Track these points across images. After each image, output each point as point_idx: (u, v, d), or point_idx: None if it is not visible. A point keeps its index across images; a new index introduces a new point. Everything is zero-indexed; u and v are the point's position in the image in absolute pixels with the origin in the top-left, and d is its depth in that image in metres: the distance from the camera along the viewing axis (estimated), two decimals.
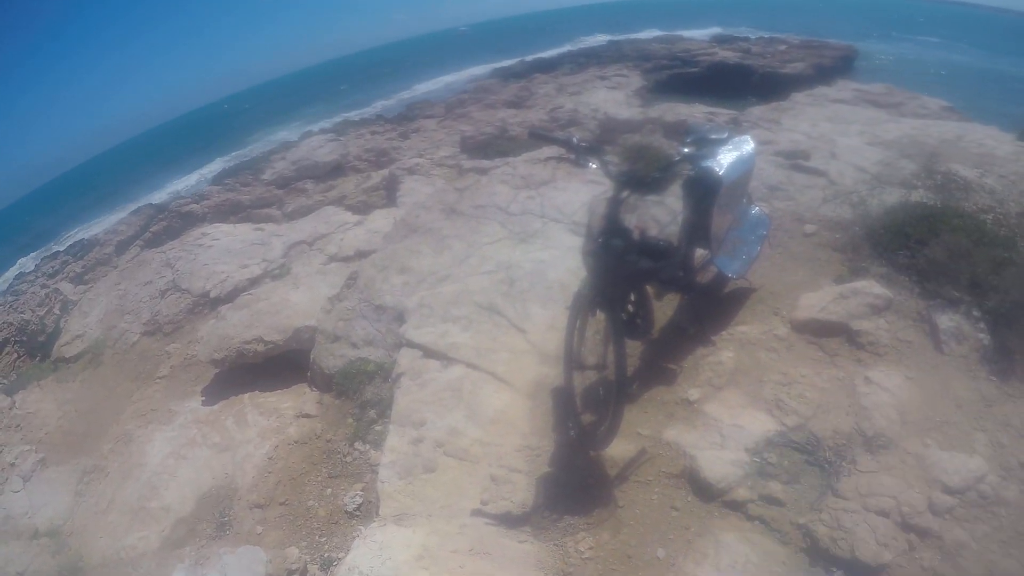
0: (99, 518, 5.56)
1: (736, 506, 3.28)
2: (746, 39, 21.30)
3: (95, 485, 6.07)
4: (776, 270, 4.81)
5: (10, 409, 8.34)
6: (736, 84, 15.81)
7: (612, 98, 13.19)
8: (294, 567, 4.10)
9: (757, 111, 10.13)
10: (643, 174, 3.29)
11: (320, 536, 4.45)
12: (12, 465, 6.85)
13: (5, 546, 5.54)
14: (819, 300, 4.18)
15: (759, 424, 3.55)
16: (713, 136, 4.01)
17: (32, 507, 6.07)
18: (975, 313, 3.89)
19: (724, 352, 4.10)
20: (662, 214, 5.45)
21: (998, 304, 3.81)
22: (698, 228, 3.98)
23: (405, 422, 4.22)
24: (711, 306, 4.52)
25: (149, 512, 5.31)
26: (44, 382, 8.90)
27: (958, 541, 2.87)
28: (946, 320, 3.86)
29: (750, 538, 3.14)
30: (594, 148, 3.28)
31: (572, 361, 3.54)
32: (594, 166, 3.24)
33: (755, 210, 4.67)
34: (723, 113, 10.37)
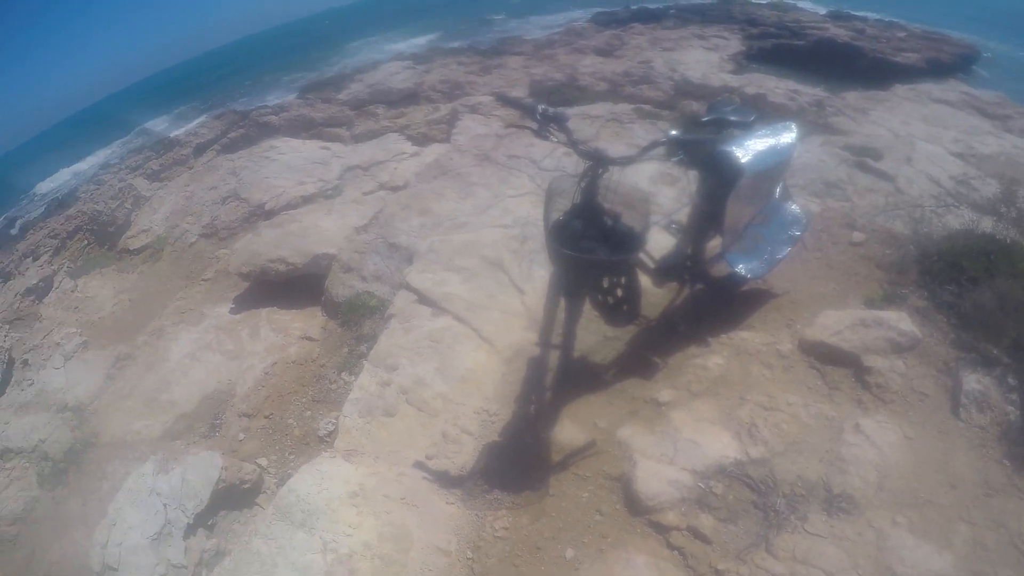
0: (119, 402, 5.93)
1: (661, 529, 3.01)
2: (864, 19, 19.65)
3: (125, 371, 6.45)
4: (806, 277, 4.44)
5: (72, 291, 8.98)
6: (841, 65, 14.63)
7: (704, 59, 12.47)
8: (247, 478, 4.31)
9: (850, 97, 9.45)
10: (619, 153, 2.94)
11: (289, 453, 4.66)
12: (58, 344, 7.38)
13: (35, 415, 5.96)
14: (837, 322, 3.77)
15: (719, 446, 3.25)
16: (734, 118, 3.63)
17: (67, 384, 6.52)
18: (1010, 380, 3.35)
19: (714, 357, 3.82)
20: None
21: None
22: (711, 217, 3.70)
23: (380, 364, 4.25)
24: (719, 304, 4.18)
25: (159, 404, 5.64)
26: (106, 270, 9.49)
27: None
28: (973, 380, 3.36)
29: (662, 568, 2.88)
30: (558, 116, 2.94)
31: (550, 336, 3.35)
32: (553, 139, 2.96)
33: (792, 207, 4.21)
34: (811, 93, 9.67)
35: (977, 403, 3.29)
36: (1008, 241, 4.25)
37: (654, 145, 2.98)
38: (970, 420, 3.26)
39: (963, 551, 2.72)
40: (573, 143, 2.91)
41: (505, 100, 3.35)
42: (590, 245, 2.92)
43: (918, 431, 3.24)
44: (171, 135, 13.26)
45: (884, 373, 3.49)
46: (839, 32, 16.50)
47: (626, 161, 2.86)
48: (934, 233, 4.57)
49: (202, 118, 14.87)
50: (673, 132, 3.02)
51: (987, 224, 4.69)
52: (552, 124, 2.94)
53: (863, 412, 3.36)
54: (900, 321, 3.67)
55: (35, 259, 9.67)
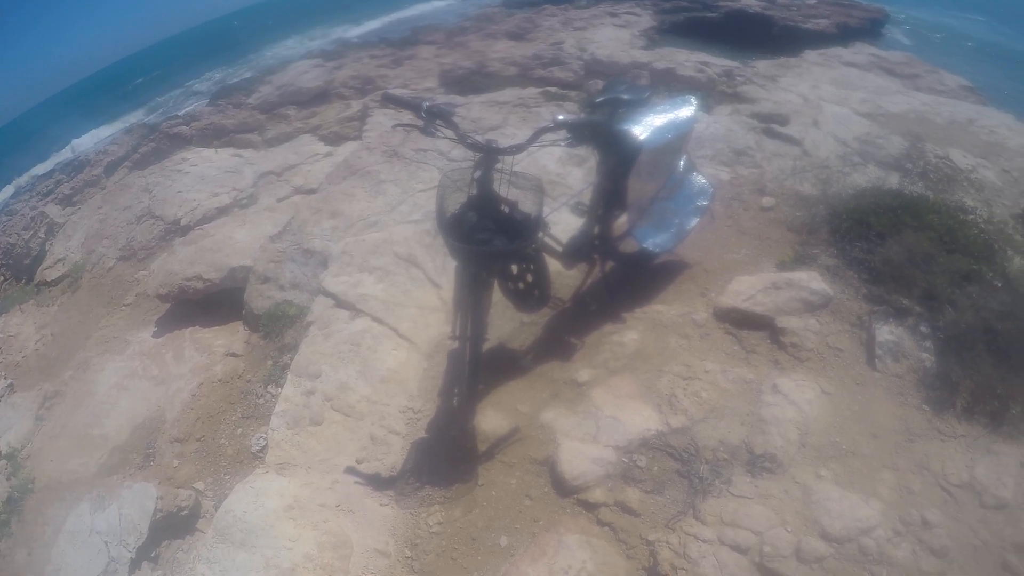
0: (52, 443, 5.73)
1: (589, 507, 3.07)
2: None
3: (53, 410, 6.23)
4: (719, 245, 4.54)
5: None
6: (753, 35, 14.94)
7: (615, 37, 12.57)
8: (184, 504, 4.25)
9: (761, 65, 9.69)
10: (509, 143, 2.93)
11: (225, 474, 4.59)
12: None
13: None
14: (749, 287, 3.88)
15: (640, 420, 3.30)
16: (628, 97, 3.72)
17: None
18: (923, 329, 3.47)
19: (630, 332, 3.89)
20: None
21: (951, 323, 3.39)
22: (614, 196, 3.76)
23: (303, 373, 4.23)
24: (632, 280, 4.26)
25: (91, 439, 5.47)
26: (26, 306, 9.07)
27: None
28: (887, 332, 3.49)
29: (594, 544, 2.94)
30: (443, 112, 2.95)
31: (464, 329, 3.35)
32: (440, 135, 2.97)
33: (697, 178, 4.33)
34: (721, 64, 9.86)
35: (892, 353, 3.42)
36: (914, 195, 4.44)
37: (543, 131, 2.97)
38: (886, 370, 3.39)
39: (889, 497, 2.82)
40: (461, 137, 2.93)
41: (391, 100, 3.32)
42: (486, 236, 2.93)
43: (836, 386, 3.35)
44: (79, 155, 12.70)
45: (798, 332, 3.61)
46: (751, 2, 16.77)
47: (516, 150, 2.88)
48: (842, 192, 4.73)
49: (111, 134, 14.33)
50: (560, 117, 3.04)
51: (894, 180, 4.91)
52: (438, 120, 2.94)
53: (780, 372, 3.46)
54: (811, 281, 3.80)
55: None
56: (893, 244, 3.85)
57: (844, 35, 14.73)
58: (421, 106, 2.96)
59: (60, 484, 5.20)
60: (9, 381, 7.16)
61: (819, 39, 13.95)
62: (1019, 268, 3.90)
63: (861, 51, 10.40)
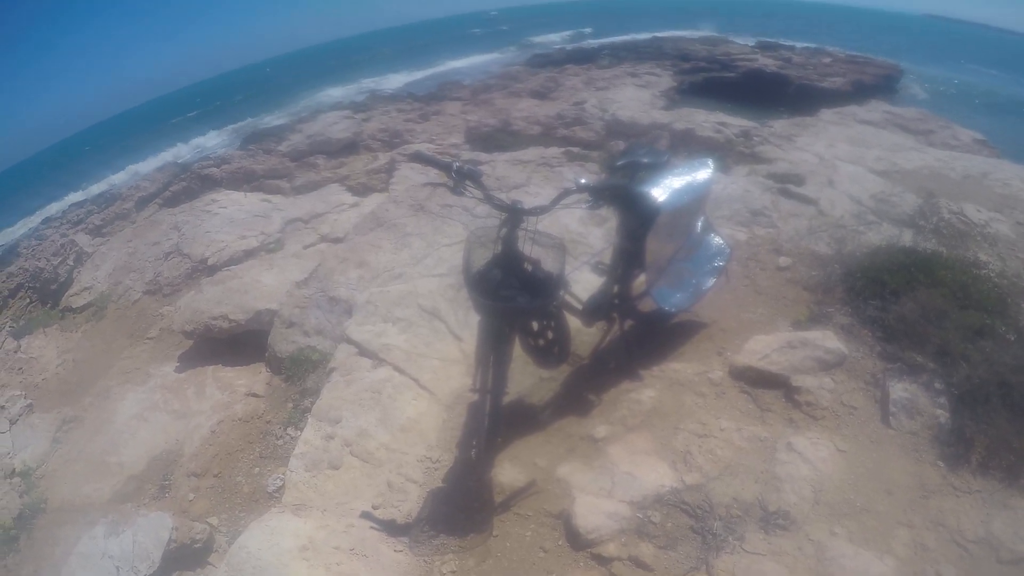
0: (67, 466, 5.84)
1: (603, 561, 3.05)
2: (791, 47, 20.65)
3: (71, 434, 6.36)
4: (735, 305, 4.61)
5: (15, 352, 8.74)
6: (770, 94, 15.30)
7: (636, 97, 12.89)
8: (198, 537, 4.33)
9: (778, 125, 9.89)
10: (534, 204, 3.05)
11: (239, 511, 4.69)
12: (2, 408, 7.18)
13: None
14: (765, 346, 3.92)
15: (656, 476, 3.33)
16: (646, 160, 3.87)
17: (13, 448, 6.36)
18: (937, 385, 3.48)
19: (647, 390, 3.93)
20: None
21: (965, 379, 3.38)
22: (633, 256, 3.87)
23: (323, 417, 4.33)
24: (650, 338, 4.33)
25: (107, 466, 5.58)
26: (50, 329, 9.28)
27: None
28: (900, 389, 3.50)
29: None
30: (473, 173, 3.07)
31: (485, 382, 3.42)
32: (468, 195, 3.11)
33: (714, 239, 4.43)
34: (738, 124, 10.10)
35: (906, 410, 3.43)
36: (927, 252, 4.49)
37: (566, 194, 3.08)
38: (901, 427, 3.39)
39: (904, 554, 2.81)
40: (488, 197, 3.04)
41: (422, 159, 3.48)
42: (510, 293, 3.03)
43: (850, 443, 3.36)
44: (112, 189, 13.12)
45: (813, 391, 3.63)
46: (767, 62, 17.24)
47: (540, 211, 2.99)
48: (857, 251, 4.77)
49: (144, 170, 14.76)
50: (583, 180, 3.19)
51: (907, 237, 4.96)
52: (467, 180, 3.06)
53: (795, 431, 3.49)
54: (826, 339, 3.84)
55: None
56: (907, 301, 3.89)
57: (859, 92, 15.04)
58: (452, 167, 3.07)
59: (73, 507, 5.30)
60: (28, 401, 7.30)
61: (835, 97, 14.28)
62: None
63: (876, 108, 10.61)
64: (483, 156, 8.56)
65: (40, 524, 5.27)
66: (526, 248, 3.09)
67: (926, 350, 3.66)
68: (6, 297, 9.85)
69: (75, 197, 14.28)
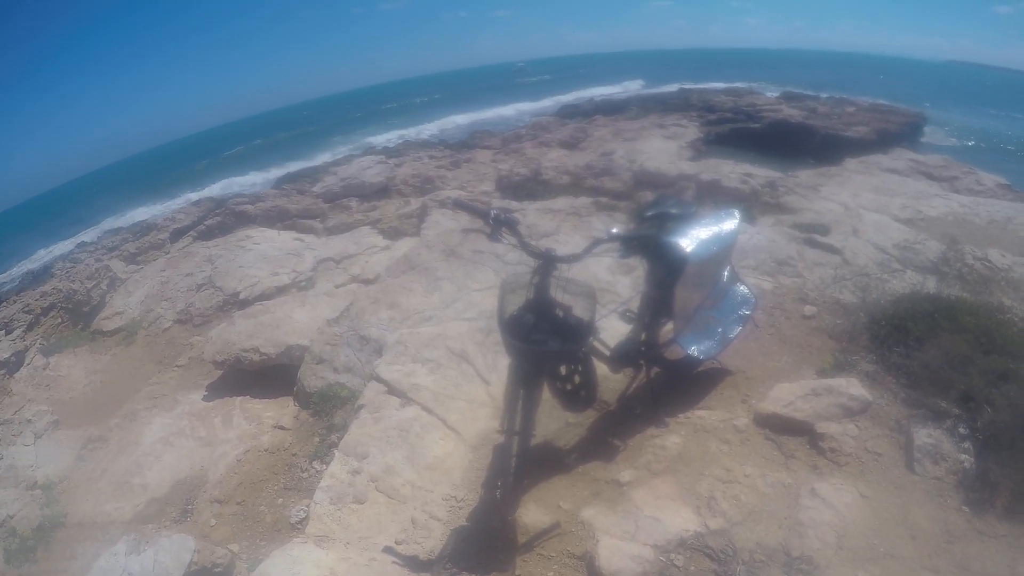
0: (90, 483, 5.93)
1: None
2: (816, 97, 20.96)
3: (96, 453, 6.46)
4: (760, 353, 4.67)
5: (44, 369, 8.97)
6: (795, 144, 15.48)
7: (663, 148, 13.10)
8: (219, 562, 4.37)
9: (803, 175, 10.01)
10: (568, 253, 3.16)
11: (261, 540, 4.73)
12: (29, 421, 7.35)
13: (3, 491, 5.92)
14: (790, 393, 3.98)
15: (680, 520, 3.34)
16: (675, 211, 3.98)
17: (37, 461, 6.49)
18: (961, 431, 3.51)
19: (672, 436, 3.98)
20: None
21: (989, 423, 3.40)
22: (661, 304, 3.96)
23: (351, 452, 4.42)
24: (676, 386, 4.40)
25: (130, 487, 5.66)
26: (79, 350, 9.52)
27: None
28: (925, 435, 3.52)
29: None
30: (509, 221, 3.19)
31: (512, 424, 3.47)
32: (505, 241, 3.22)
33: (740, 288, 4.52)
34: (764, 175, 10.18)
35: (931, 456, 3.44)
36: (951, 298, 4.52)
37: (598, 243, 3.17)
38: (925, 473, 3.40)
39: None
40: (524, 244, 3.14)
41: (461, 206, 3.59)
42: (541, 337, 3.11)
43: (874, 489, 3.38)
44: (148, 220, 13.47)
45: (837, 438, 3.67)
46: (792, 112, 17.44)
47: (573, 259, 3.09)
48: (881, 299, 4.81)
49: (180, 204, 15.15)
50: (615, 230, 3.31)
51: (931, 284, 5.01)
52: (504, 227, 3.19)
53: (819, 476, 3.51)
54: (850, 387, 3.87)
55: (7, 332, 9.73)
56: (930, 348, 3.90)
57: (883, 141, 15.10)
58: (489, 214, 3.18)
59: (94, 524, 5.39)
60: (55, 417, 7.47)
61: (859, 146, 14.37)
62: None
63: (900, 156, 10.69)
64: (514, 204, 8.77)
65: (59, 538, 5.36)
66: (558, 294, 3.18)
67: (950, 396, 3.67)
68: (39, 315, 10.15)
69: (111, 224, 14.67)
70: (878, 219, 6.81)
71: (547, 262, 3.10)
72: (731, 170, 10.66)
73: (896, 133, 16.62)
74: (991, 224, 6.72)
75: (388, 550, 3.70)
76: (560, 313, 3.21)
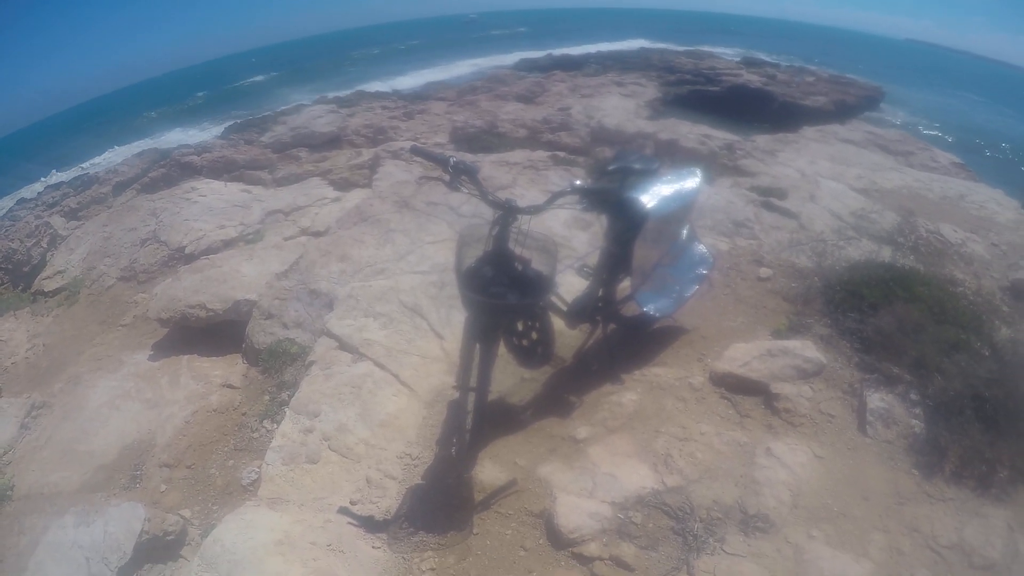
0: (35, 453, 5.71)
1: (584, 560, 3.10)
2: (776, 65, 21.11)
3: (40, 420, 6.21)
4: (716, 313, 4.70)
5: None
6: (754, 109, 15.59)
7: (622, 106, 12.98)
8: (171, 529, 4.25)
9: (760, 140, 10.07)
10: (527, 204, 3.06)
11: (212, 504, 4.60)
12: None
13: None
14: (745, 353, 4.03)
15: (637, 478, 3.38)
16: (638, 167, 3.89)
17: None
18: (912, 396, 3.62)
19: (628, 393, 4.00)
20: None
21: (940, 391, 3.54)
22: (620, 260, 3.91)
23: (302, 411, 4.29)
24: (632, 342, 4.38)
25: (77, 454, 5.46)
26: (20, 312, 9.11)
27: None
28: (877, 399, 3.62)
29: None
30: (470, 169, 3.06)
31: (467, 380, 3.42)
32: (464, 190, 3.10)
33: (699, 247, 4.51)
34: (722, 137, 10.26)
35: (883, 419, 3.55)
36: (905, 268, 4.66)
37: (560, 194, 3.13)
38: (877, 436, 3.51)
39: (880, 558, 2.91)
40: (483, 194, 3.02)
41: (419, 152, 3.45)
42: (499, 290, 3.03)
43: (828, 450, 3.46)
44: (88, 172, 12.86)
45: (792, 398, 3.74)
46: (752, 78, 17.53)
47: (534, 210, 3.00)
48: (836, 265, 4.93)
49: (122, 156, 14.50)
50: (577, 182, 3.20)
51: (886, 253, 5.12)
52: (463, 176, 3.05)
53: (774, 436, 3.57)
54: (805, 349, 3.95)
55: None
56: (885, 315, 4.03)
57: (841, 112, 15.41)
58: (449, 161, 3.06)
59: (41, 495, 5.17)
60: None
61: (817, 115, 14.58)
62: (1006, 338, 4.08)
63: (857, 128, 10.84)
64: (469, 156, 8.55)
65: (5, 512, 5.14)
66: (517, 248, 3.09)
67: (903, 362, 3.79)
68: None
69: (51, 179, 14.00)
70: (835, 187, 6.88)
71: (507, 213, 2.99)
72: (689, 131, 10.67)
73: (854, 105, 16.90)
74: (944, 200, 6.85)
75: (343, 511, 3.62)
76: (519, 266, 3.12)
